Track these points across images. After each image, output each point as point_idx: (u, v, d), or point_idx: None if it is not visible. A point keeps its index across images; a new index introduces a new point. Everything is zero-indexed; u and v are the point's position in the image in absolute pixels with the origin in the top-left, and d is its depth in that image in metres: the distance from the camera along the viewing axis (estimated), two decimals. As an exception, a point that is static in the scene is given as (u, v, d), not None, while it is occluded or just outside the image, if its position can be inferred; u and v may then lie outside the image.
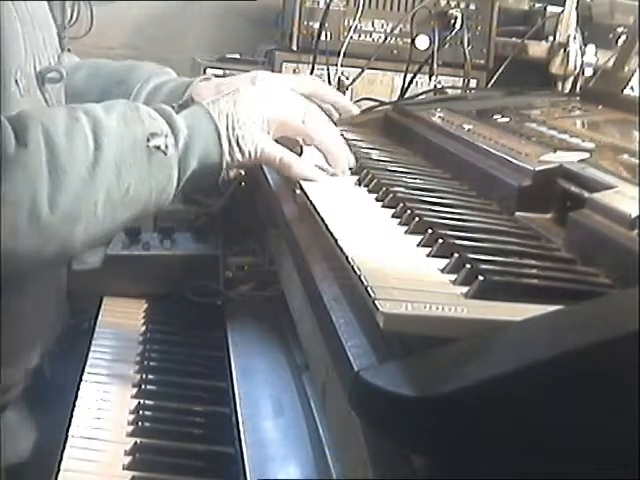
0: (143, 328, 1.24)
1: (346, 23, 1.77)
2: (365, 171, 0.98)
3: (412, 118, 1.26)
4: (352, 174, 1.01)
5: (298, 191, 0.92)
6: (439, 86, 1.71)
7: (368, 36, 1.79)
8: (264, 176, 1.08)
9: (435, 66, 1.70)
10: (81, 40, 2.24)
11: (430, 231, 0.73)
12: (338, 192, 0.94)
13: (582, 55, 1.54)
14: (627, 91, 1.36)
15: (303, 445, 0.93)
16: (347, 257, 0.66)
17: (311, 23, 1.77)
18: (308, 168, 0.96)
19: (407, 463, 0.52)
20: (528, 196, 0.84)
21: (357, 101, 1.69)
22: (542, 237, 0.77)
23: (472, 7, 1.79)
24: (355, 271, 0.63)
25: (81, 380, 1.07)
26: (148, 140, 0.87)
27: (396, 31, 1.78)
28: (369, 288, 0.59)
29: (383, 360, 0.55)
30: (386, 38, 1.78)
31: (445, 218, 0.78)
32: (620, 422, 0.50)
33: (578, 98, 1.35)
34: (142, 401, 1.03)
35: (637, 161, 0.85)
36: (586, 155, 0.88)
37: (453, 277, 0.63)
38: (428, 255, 0.69)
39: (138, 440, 0.95)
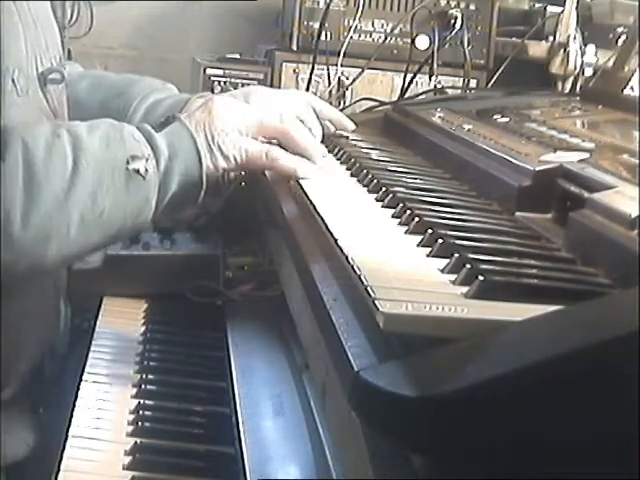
0: (143, 328, 1.24)
1: (346, 23, 1.77)
2: (365, 171, 0.98)
3: (412, 118, 1.26)
4: (352, 174, 1.01)
5: (292, 182, 0.93)
6: (439, 86, 1.71)
7: (368, 36, 1.79)
8: (264, 176, 1.08)
9: (435, 66, 1.70)
10: (81, 40, 2.24)
11: (430, 231, 0.73)
12: (338, 192, 0.94)
13: (582, 55, 1.54)
14: (627, 91, 1.36)
15: (303, 445, 0.93)
16: (347, 257, 0.66)
17: (311, 23, 1.78)
18: (295, 159, 0.96)
19: (407, 463, 0.51)
20: (528, 196, 0.84)
21: (357, 101, 1.69)
22: (542, 237, 0.77)
23: (472, 7, 1.79)
24: (355, 271, 0.63)
25: (81, 380, 1.07)
26: (128, 163, 0.87)
27: (396, 31, 1.78)
28: (369, 288, 0.59)
29: (383, 360, 0.55)
30: (386, 38, 1.78)
31: (445, 218, 0.78)
32: (620, 422, 0.50)
33: (578, 98, 1.35)
34: (142, 401, 1.03)
35: (637, 161, 0.85)
36: (586, 155, 0.88)
37: (453, 277, 0.63)
38: (428, 255, 0.69)
39: (138, 440, 0.96)
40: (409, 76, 1.72)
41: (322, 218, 0.79)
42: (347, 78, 1.76)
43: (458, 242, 0.70)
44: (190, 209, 1.33)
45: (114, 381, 1.08)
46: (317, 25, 1.76)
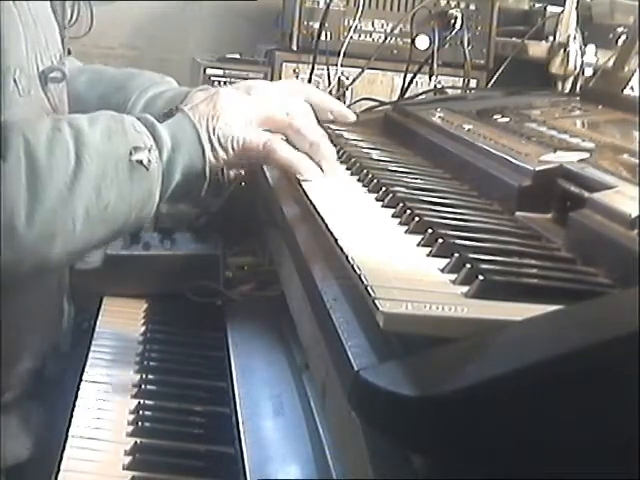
0: (143, 328, 1.24)
1: (346, 23, 1.77)
2: (365, 171, 0.98)
3: (412, 118, 1.26)
4: (352, 174, 1.01)
5: (294, 182, 0.92)
6: (439, 86, 1.71)
7: (368, 36, 1.79)
8: (264, 176, 1.08)
9: (435, 66, 1.70)
10: (81, 40, 2.23)
11: (430, 231, 0.73)
12: (338, 192, 0.94)
13: (582, 55, 1.54)
14: (627, 91, 1.36)
15: (303, 445, 0.93)
16: (347, 257, 0.66)
17: (311, 23, 1.78)
18: (293, 151, 0.95)
19: (407, 463, 0.51)
20: (528, 196, 0.84)
21: (357, 101, 1.69)
22: (542, 237, 0.77)
23: (472, 7, 1.79)
24: (355, 271, 0.63)
25: (81, 380, 1.07)
26: (131, 154, 0.86)
27: (396, 31, 1.78)
28: (369, 288, 0.59)
29: (383, 360, 0.55)
30: (386, 38, 1.78)
31: (445, 218, 0.78)
32: (620, 422, 0.50)
33: (578, 98, 1.35)
34: (142, 401, 1.03)
35: (637, 161, 0.85)
36: (586, 155, 0.88)
37: (453, 277, 0.63)
38: (428, 255, 0.69)
39: (138, 440, 0.95)
40: (409, 76, 1.72)
41: (322, 218, 0.79)
42: (347, 78, 1.76)
43: (458, 242, 0.70)
44: (192, 203, 1.33)
45: (114, 381, 1.08)
46: (317, 25, 1.76)
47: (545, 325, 0.53)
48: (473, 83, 1.77)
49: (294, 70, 1.79)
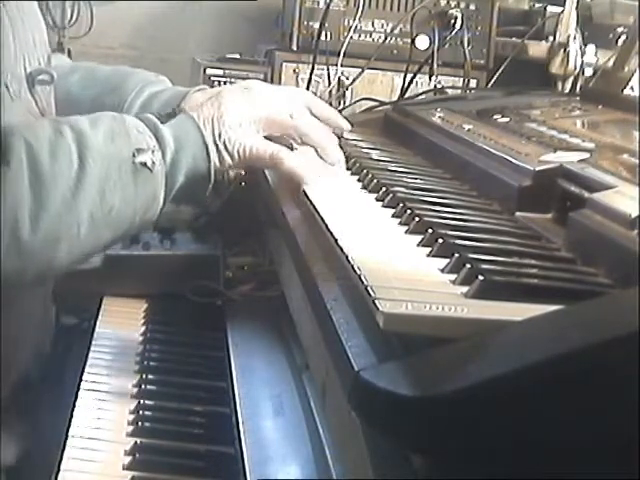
0: (143, 328, 1.24)
1: (346, 23, 1.78)
2: (365, 171, 0.98)
3: (412, 118, 1.26)
4: (352, 174, 1.01)
5: (304, 188, 0.92)
6: (439, 86, 1.71)
7: (368, 36, 1.80)
8: (264, 176, 1.08)
9: (435, 66, 1.70)
10: (81, 40, 2.24)
11: (430, 231, 0.73)
12: (338, 192, 0.94)
13: (582, 55, 1.54)
14: (627, 91, 1.36)
15: (303, 445, 0.93)
16: (347, 257, 0.66)
17: (311, 23, 1.78)
18: (300, 162, 0.94)
19: (407, 463, 0.51)
20: (528, 196, 0.84)
21: (357, 101, 1.69)
22: (542, 237, 0.77)
23: (472, 7, 1.79)
24: (355, 271, 0.63)
25: (81, 380, 1.07)
26: (134, 156, 0.85)
27: (396, 31, 1.78)
28: (369, 288, 0.59)
29: (383, 360, 0.55)
30: (386, 38, 1.78)
31: (445, 218, 0.78)
32: (620, 422, 0.50)
33: (578, 98, 1.35)
34: (142, 401, 1.03)
35: (637, 161, 0.85)
36: (586, 155, 0.88)
37: (453, 277, 0.63)
38: (428, 255, 0.69)
39: (138, 440, 0.95)
40: (409, 76, 1.72)
41: (322, 218, 0.79)
42: (347, 78, 1.76)
43: (458, 242, 0.70)
44: (196, 205, 1.33)
45: (114, 381, 1.08)
46: (317, 25, 1.76)
47: (545, 325, 0.53)
48: (473, 83, 1.77)
49: (294, 70, 1.79)
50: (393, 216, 0.82)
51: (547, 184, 0.84)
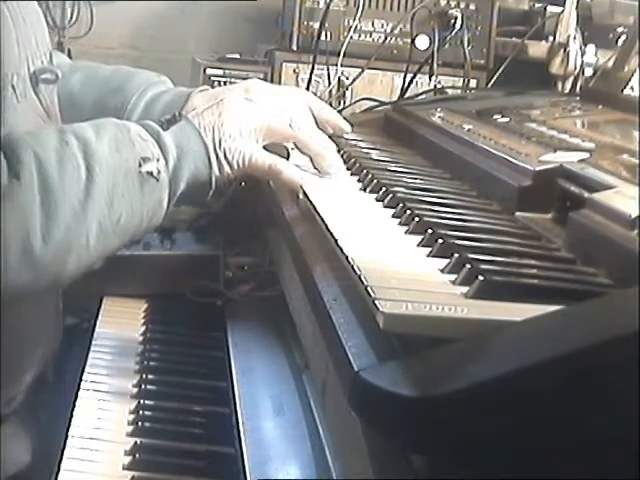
0: (143, 328, 1.24)
1: (346, 23, 1.77)
2: (365, 171, 0.98)
3: (412, 118, 1.26)
4: (352, 174, 1.01)
5: (302, 196, 0.92)
6: (439, 86, 1.71)
7: (368, 36, 1.79)
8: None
9: (435, 66, 1.70)
10: (81, 40, 2.24)
11: (430, 231, 0.73)
12: (338, 192, 0.94)
13: (582, 55, 1.54)
14: (627, 91, 1.35)
15: (303, 445, 0.93)
16: (347, 257, 0.66)
17: (311, 23, 1.78)
18: (298, 174, 0.94)
19: (407, 463, 0.51)
20: (528, 196, 0.84)
21: (357, 101, 1.69)
22: (542, 237, 0.77)
23: (472, 7, 1.79)
24: (355, 271, 0.63)
25: (81, 380, 1.07)
26: (140, 165, 0.85)
27: (396, 31, 1.78)
28: (369, 288, 0.59)
29: (383, 360, 0.55)
30: (386, 38, 1.78)
31: (445, 218, 0.78)
32: (620, 422, 0.50)
33: (578, 98, 1.35)
34: (142, 401, 1.03)
35: (637, 161, 0.85)
36: (586, 155, 0.88)
37: (453, 277, 0.63)
38: (428, 255, 0.69)
39: (138, 440, 0.95)
40: (409, 76, 1.72)
41: (322, 218, 0.79)
42: (347, 78, 1.76)
43: (458, 242, 0.70)
44: (197, 206, 1.33)
45: (114, 381, 1.08)
46: (317, 25, 1.76)
47: (545, 325, 0.53)
48: (473, 83, 1.77)
49: (294, 70, 1.79)
50: (393, 216, 0.82)
51: (547, 184, 0.84)
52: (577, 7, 1.54)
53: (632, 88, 1.35)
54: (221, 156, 0.91)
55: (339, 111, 1.39)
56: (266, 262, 1.33)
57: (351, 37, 1.76)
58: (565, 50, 1.54)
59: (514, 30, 1.85)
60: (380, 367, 0.54)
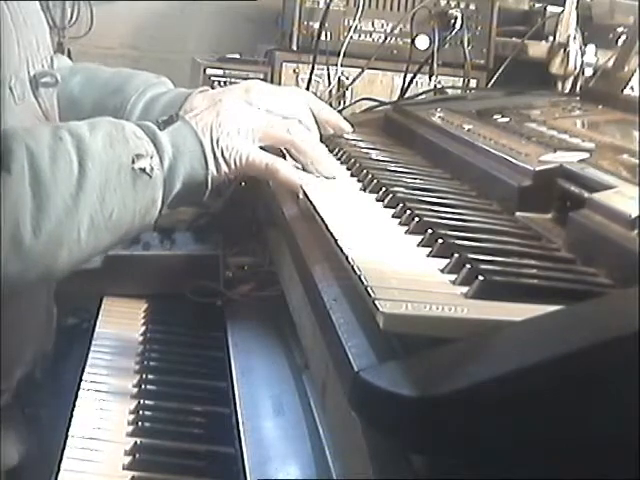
0: (143, 328, 1.24)
1: (346, 23, 1.77)
2: (365, 171, 0.98)
3: (412, 118, 1.26)
4: (352, 174, 1.01)
5: (301, 196, 0.92)
6: (439, 86, 1.71)
7: (368, 36, 1.79)
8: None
9: (435, 66, 1.70)
10: (81, 40, 2.24)
11: (430, 231, 0.73)
12: (338, 192, 0.94)
13: (582, 55, 1.54)
14: (627, 91, 1.35)
15: (303, 445, 0.93)
16: (347, 257, 0.66)
17: (311, 23, 1.78)
18: (295, 173, 0.95)
19: (407, 463, 0.51)
20: (528, 196, 0.84)
21: (357, 101, 1.69)
22: (542, 237, 0.77)
23: (472, 7, 1.79)
24: (355, 271, 0.63)
25: (81, 380, 1.07)
26: (133, 162, 0.86)
27: (396, 31, 1.78)
28: (369, 288, 0.59)
29: (383, 360, 0.55)
30: (386, 38, 1.78)
31: (445, 218, 0.78)
32: (620, 422, 0.50)
33: (578, 98, 1.35)
34: (142, 401, 1.03)
35: (637, 161, 0.85)
36: (586, 155, 0.88)
37: (453, 277, 0.63)
38: (428, 255, 0.69)
39: (138, 440, 0.96)
40: (409, 76, 1.72)
41: (322, 218, 0.79)
42: (347, 78, 1.76)
43: (458, 242, 0.70)
44: (196, 206, 1.33)
45: (114, 381, 1.08)
46: (317, 25, 1.76)
47: (545, 325, 0.53)
48: (473, 83, 1.77)
49: (294, 70, 1.79)
50: (393, 216, 0.82)
51: (547, 184, 0.84)
52: (577, 7, 1.54)
53: (632, 88, 1.35)
54: (218, 155, 0.92)
55: (339, 111, 1.39)
56: (266, 262, 1.33)
57: (351, 37, 1.76)
58: (565, 50, 1.54)
59: (514, 30, 1.85)
60: (380, 367, 0.54)
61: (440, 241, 0.70)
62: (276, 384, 1.07)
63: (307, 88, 1.74)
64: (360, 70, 1.75)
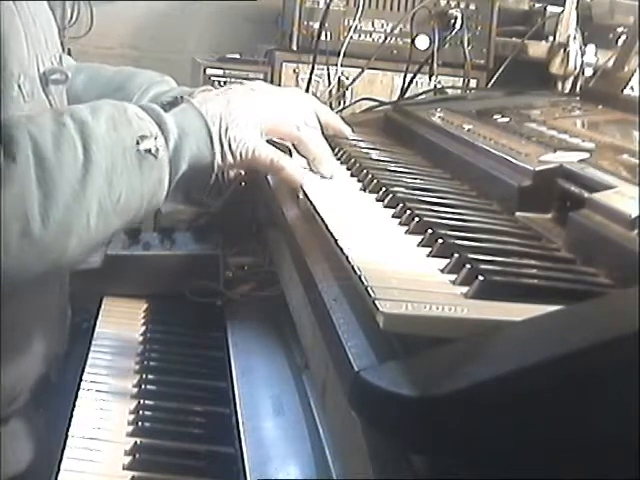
0: (143, 328, 1.24)
1: (346, 23, 1.77)
2: (365, 171, 0.98)
3: (412, 118, 1.26)
4: (352, 174, 1.01)
5: (301, 196, 0.92)
6: (439, 86, 1.71)
7: (368, 36, 1.79)
8: (264, 176, 1.08)
9: (435, 66, 1.70)
10: (81, 40, 2.24)
11: (430, 231, 0.73)
12: (338, 192, 0.94)
13: (582, 55, 1.54)
14: (627, 91, 1.35)
15: (303, 445, 0.93)
16: (347, 257, 0.66)
17: (311, 23, 1.78)
18: (300, 171, 0.95)
19: (407, 463, 0.51)
20: (528, 196, 0.84)
21: (357, 101, 1.69)
22: (542, 237, 0.77)
23: (472, 7, 1.79)
24: (355, 271, 0.63)
25: (81, 380, 1.07)
26: (138, 143, 0.85)
27: (396, 31, 1.78)
28: (369, 288, 0.59)
29: (383, 360, 0.55)
30: (386, 38, 1.78)
31: (445, 218, 0.78)
32: (620, 422, 0.50)
33: (578, 98, 1.35)
34: (142, 401, 1.03)
35: (637, 161, 0.85)
36: (586, 155, 0.88)
37: (453, 277, 0.63)
38: (428, 255, 0.69)
39: (138, 440, 0.95)
40: (409, 76, 1.72)
41: (322, 218, 0.79)
42: (347, 78, 1.76)
43: (458, 242, 0.70)
44: (192, 203, 1.32)
45: (114, 381, 1.08)
46: (317, 25, 1.76)
47: (545, 325, 0.53)
48: (473, 83, 1.77)
49: (294, 70, 1.79)
50: (393, 216, 0.82)
51: (547, 184, 0.84)
52: (577, 7, 1.54)
53: (632, 88, 1.35)
54: (225, 144, 0.91)
55: (339, 111, 1.39)
56: (266, 262, 1.33)
57: (351, 37, 1.76)
58: (565, 50, 1.54)
59: (514, 30, 1.85)
60: (380, 367, 0.54)
61: (440, 241, 0.70)
62: (276, 384, 1.07)
63: (307, 88, 1.74)
64: (360, 70, 1.75)
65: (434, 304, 0.56)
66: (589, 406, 0.49)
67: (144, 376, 1.10)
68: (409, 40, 1.75)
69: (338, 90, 1.76)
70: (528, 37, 1.73)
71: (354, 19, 1.76)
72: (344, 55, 1.74)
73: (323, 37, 1.75)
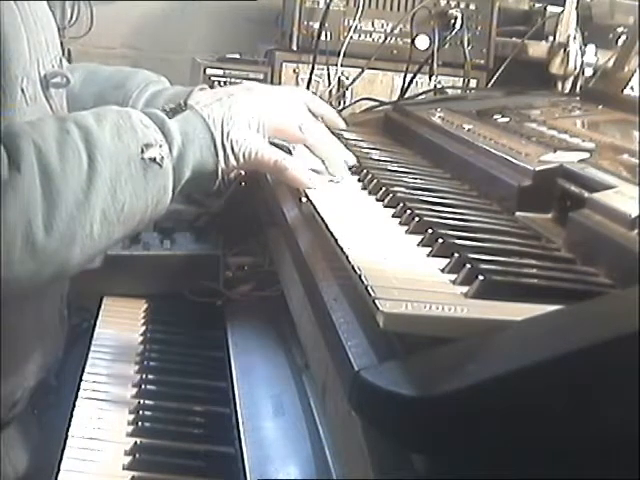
0: (143, 328, 1.24)
1: (346, 23, 1.77)
2: (365, 171, 0.98)
3: (412, 118, 1.26)
4: (352, 174, 1.01)
5: (304, 199, 0.92)
6: (439, 86, 1.71)
7: (368, 36, 1.79)
8: (264, 176, 1.08)
9: (435, 66, 1.70)
10: (81, 40, 2.24)
11: (430, 231, 0.73)
12: (338, 192, 0.94)
13: (582, 55, 1.54)
14: (627, 91, 1.36)
15: (303, 445, 0.93)
16: (347, 257, 0.66)
17: (311, 23, 1.77)
18: (303, 172, 0.94)
19: (407, 463, 0.51)
20: (528, 196, 0.84)
21: (357, 101, 1.69)
22: (542, 237, 0.77)
23: (472, 7, 1.79)
24: (355, 271, 0.63)
25: (81, 380, 1.07)
26: (142, 152, 0.84)
27: (396, 31, 1.78)
28: (369, 288, 0.59)
29: (383, 360, 0.55)
30: (386, 38, 1.78)
31: (445, 218, 0.78)
32: (620, 422, 0.50)
33: (578, 98, 1.35)
34: (142, 401, 1.03)
35: (637, 161, 0.85)
36: (586, 155, 0.88)
37: (453, 277, 0.63)
38: (428, 255, 0.69)
39: (138, 440, 0.95)
40: (409, 76, 1.72)
41: (322, 218, 0.79)
42: (347, 78, 1.76)
43: (458, 242, 0.70)
44: (192, 203, 1.32)
45: (114, 381, 1.08)
46: (317, 25, 1.76)
47: (545, 325, 0.53)
48: (473, 83, 1.77)
49: (294, 70, 1.79)
50: (393, 216, 0.82)
51: (547, 184, 0.84)
52: (577, 7, 1.54)
53: (632, 88, 1.35)
54: (228, 147, 0.91)
55: (339, 111, 1.38)
56: (266, 262, 1.33)
57: (351, 37, 1.76)
58: (565, 50, 1.54)
59: (514, 30, 1.85)
60: (380, 367, 0.54)
61: (440, 241, 0.70)
62: (276, 384, 1.07)
63: (307, 88, 1.74)
64: (360, 70, 1.75)
65: (434, 304, 0.56)
66: (589, 406, 0.49)
67: (144, 376, 1.10)
68: (409, 40, 1.75)
69: (338, 90, 1.76)
70: (528, 37, 1.73)
71: (354, 19, 1.76)
72: (344, 55, 1.74)
73: (323, 37, 1.75)
